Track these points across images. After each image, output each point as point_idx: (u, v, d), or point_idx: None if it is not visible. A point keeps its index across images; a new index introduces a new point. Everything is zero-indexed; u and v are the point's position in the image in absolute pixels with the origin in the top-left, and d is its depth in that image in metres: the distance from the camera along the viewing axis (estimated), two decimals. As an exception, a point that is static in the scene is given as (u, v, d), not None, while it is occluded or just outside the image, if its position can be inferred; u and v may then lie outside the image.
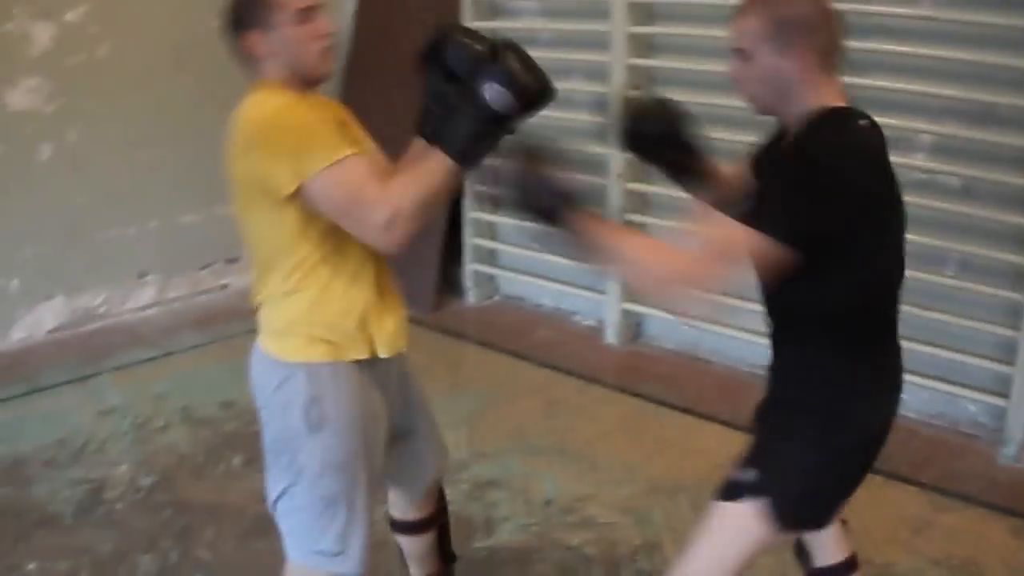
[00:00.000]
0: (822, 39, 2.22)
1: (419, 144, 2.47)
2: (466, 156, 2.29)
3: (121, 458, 4.37)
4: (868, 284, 2.28)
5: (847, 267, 2.19)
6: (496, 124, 2.29)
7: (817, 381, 2.36)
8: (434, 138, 2.34)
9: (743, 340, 5.18)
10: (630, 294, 5.63)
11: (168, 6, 5.90)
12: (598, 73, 5.54)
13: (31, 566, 3.56)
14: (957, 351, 4.60)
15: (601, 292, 5.78)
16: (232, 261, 6.50)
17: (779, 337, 2.45)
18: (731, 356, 5.36)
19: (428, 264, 6.15)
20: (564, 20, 5.80)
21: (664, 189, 4.80)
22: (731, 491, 2.37)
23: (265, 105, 2.34)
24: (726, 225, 2.11)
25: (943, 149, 4.55)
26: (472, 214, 6.34)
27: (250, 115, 2.36)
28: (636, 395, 5.10)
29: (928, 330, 4.58)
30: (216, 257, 6.46)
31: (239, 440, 4.49)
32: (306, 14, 2.35)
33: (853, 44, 4.39)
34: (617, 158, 5.33)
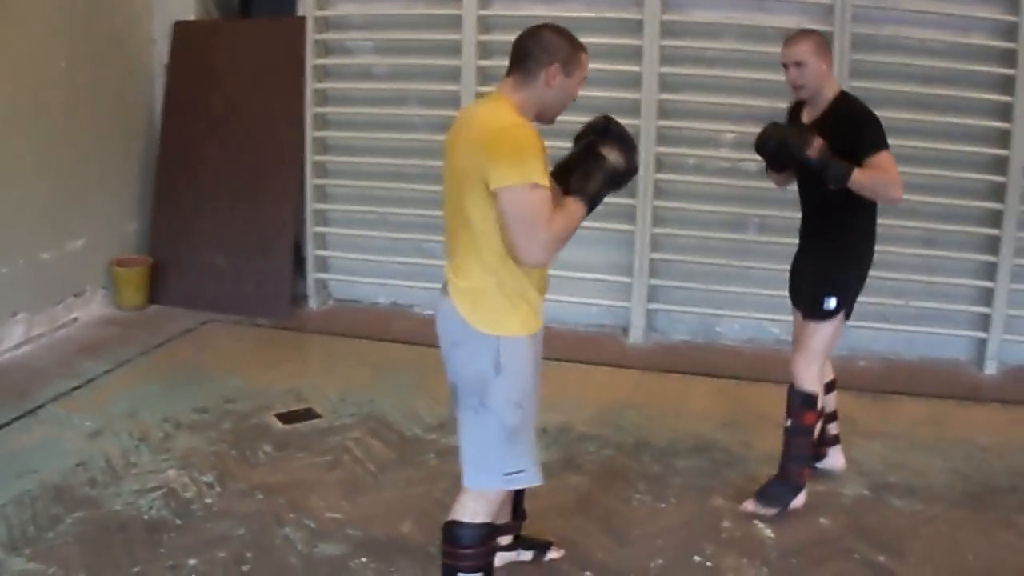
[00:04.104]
0: (833, 53, 3.95)
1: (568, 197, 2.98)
2: (595, 203, 2.96)
3: (158, 467, 4.39)
4: None
5: None
6: (614, 181, 3.01)
7: (855, 233, 4.04)
8: (576, 193, 2.94)
9: (576, 305, 6.49)
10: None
11: (23, 50, 5.78)
12: (443, 100, 6.53)
13: (192, 561, 3.64)
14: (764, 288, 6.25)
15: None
16: (79, 295, 6.46)
17: (828, 214, 4.02)
18: (568, 320, 6.49)
19: (282, 277, 6.67)
20: (399, 56, 6.68)
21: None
22: (822, 314, 4.04)
23: (503, 118, 2.83)
24: (885, 156, 3.71)
25: (742, 144, 5.96)
26: (314, 228, 6.89)
27: (489, 122, 2.83)
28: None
29: (737, 276, 6.34)
30: (66, 292, 6.34)
31: (248, 434, 4.80)
32: (584, 81, 2.98)
33: (683, 71, 6.05)
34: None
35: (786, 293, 6.25)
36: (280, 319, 6.63)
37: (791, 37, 3.95)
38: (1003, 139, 5.86)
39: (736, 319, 6.44)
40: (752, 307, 6.34)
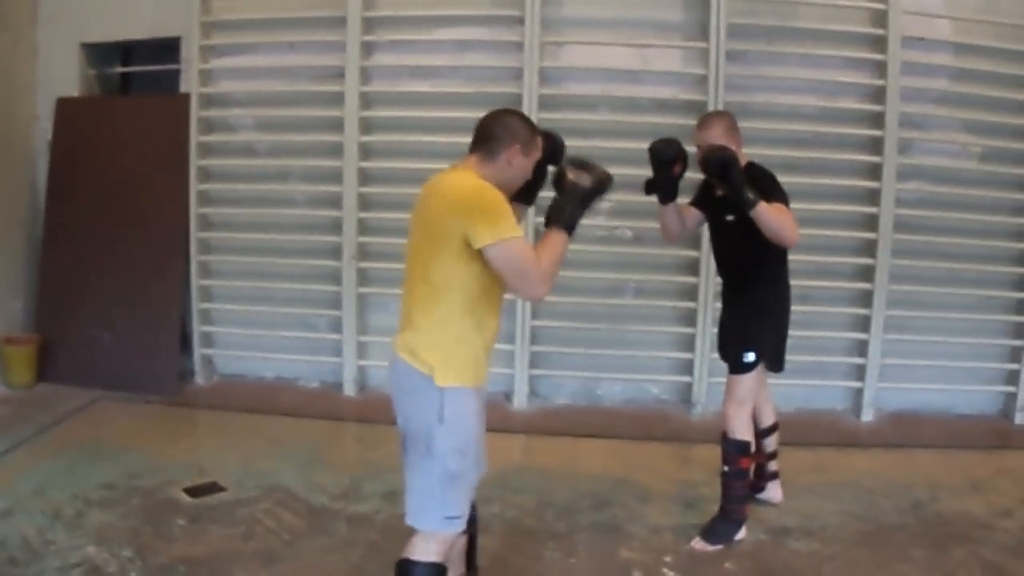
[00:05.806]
0: (739, 133, 4.73)
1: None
2: (572, 226, 3.55)
3: (77, 543, 4.74)
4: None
5: None
6: (586, 202, 3.58)
7: (766, 292, 4.89)
8: (554, 223, 3.53)
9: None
10: (361, 353, 7.27)
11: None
12: (325, 176, 7.22)
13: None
14: (642, 351, 7.06)
15: (336, 355, 7.35)
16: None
17: (740, 275, 4.93)
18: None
19: (169, 353, 7.20)
20: (281, 132, 7.30)
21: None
22: (743, 368, 4.85)
23: (469, 183, 3.39)
24: (786, 208, 4.50)
25: (618, 212, 6.96)
26: (200, 304, 7.42)
27: (457, 189, 3.37)
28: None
29: (616, 340, 7.07)
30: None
31: (158, 508, 5.22)
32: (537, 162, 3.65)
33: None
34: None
35: (664, 353, 7.16)
36: (169, 395, 7.17)
37: (704, 121, 4.78)
38: (873, 197, 6.87)
39: (616, 381, 7.28)
40: (631, 369, 7.20)
